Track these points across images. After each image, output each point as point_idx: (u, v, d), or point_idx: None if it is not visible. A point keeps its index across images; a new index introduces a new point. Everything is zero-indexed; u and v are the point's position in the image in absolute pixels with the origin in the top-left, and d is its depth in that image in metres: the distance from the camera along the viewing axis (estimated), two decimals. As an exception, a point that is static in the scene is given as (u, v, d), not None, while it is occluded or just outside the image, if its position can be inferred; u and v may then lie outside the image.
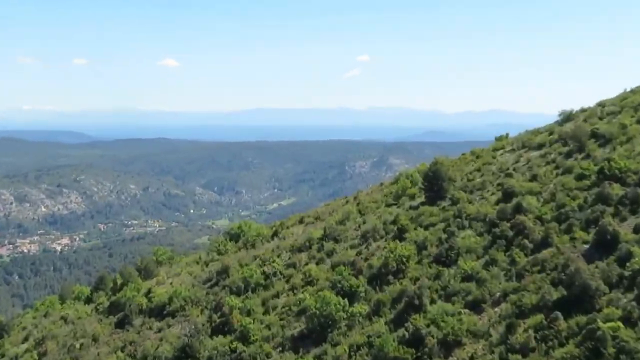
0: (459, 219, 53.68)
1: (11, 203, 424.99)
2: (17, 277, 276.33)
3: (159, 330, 58.26)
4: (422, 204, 61.79)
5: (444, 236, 51.84)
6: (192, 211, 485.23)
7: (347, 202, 79.60)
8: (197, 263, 76.98)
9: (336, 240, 61.62)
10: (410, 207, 62.74)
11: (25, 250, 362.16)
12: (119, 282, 79.34)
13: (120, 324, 63.81)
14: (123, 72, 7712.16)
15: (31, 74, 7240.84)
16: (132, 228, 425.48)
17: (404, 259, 50.30)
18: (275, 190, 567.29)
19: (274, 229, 78.15)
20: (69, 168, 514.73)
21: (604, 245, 41.31)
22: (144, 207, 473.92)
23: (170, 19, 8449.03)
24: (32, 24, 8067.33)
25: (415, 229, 55.86)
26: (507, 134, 79.54)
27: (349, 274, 51.18)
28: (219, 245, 77.99)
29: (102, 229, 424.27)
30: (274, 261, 61.33)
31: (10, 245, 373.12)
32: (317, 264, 58.11)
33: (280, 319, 50.76)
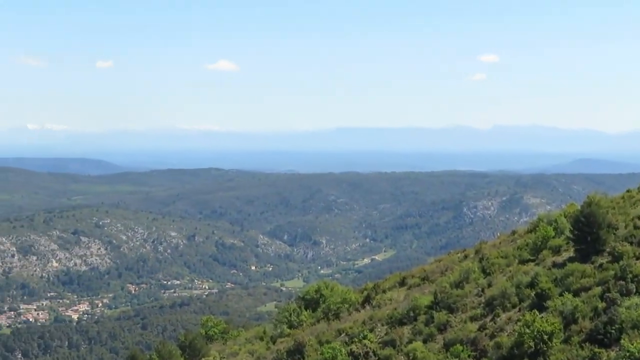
0: (622, 282, 53.20)
1: (13, 255, 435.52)
2: (20, 356, 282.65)
3: None
4: (571, 260, 61.35)
5: (601, 305, 51.43)
6: (253, 268, 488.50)
7: (465, 256, 79.47)
8: (261, 339, 77.79)
9: (451, 310, 61.61)
10: (554, 265, 62.35)
11: (31, 319, 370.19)
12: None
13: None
14: (158, 79, 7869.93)
15: (37, 81, 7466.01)
16: (172, 290, 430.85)
17: (545, 337, 50.06)
18: (367, 240, 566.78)
19: (365, 293, 78.50)
20: (89, 209, 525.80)
21: None
22: (188, 263, 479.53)
23: (223, 13, 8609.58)
24: (40, 20, 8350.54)
25: (560, 294, 55.53)
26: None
27: (469, 355, 51.16)
28: (291, 316, 78.66)
29: (133, 291, 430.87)
30: (365, 337, 61.63)
31: (12, 313, 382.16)
32: (424, 341, 58.20)
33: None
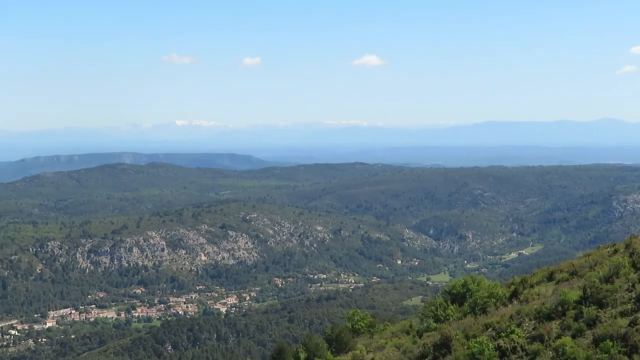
0: None
1: (162, 249, 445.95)
2: (170, 348, 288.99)
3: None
4: None
5: None
6: (399, 262, 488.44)
7: (615, 251, 78.09)
8: (407, 333, 77.94)
9: (600, 305, 60.76)
10: None
11: (180, 312, 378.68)
12: (302, 356, 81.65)
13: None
14: (305, 75, 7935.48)
15: (185, 78, 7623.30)
16: (319, 284, 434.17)
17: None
18: (514, 234, 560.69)
19: (512, 287, 77.91)
20: (236, 203, 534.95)
21: None
22: (335, 256, 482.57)
23: (370, 7, 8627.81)
24: (189, 19, 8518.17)
25: None
26: None
27: (619, 351, 50.39)
28: (437, 310, 78.67)
29: (280, 284, 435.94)
30: (512, 332, 61.25)
31: (162, 305, 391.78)
32: (573, 336, 57.56)
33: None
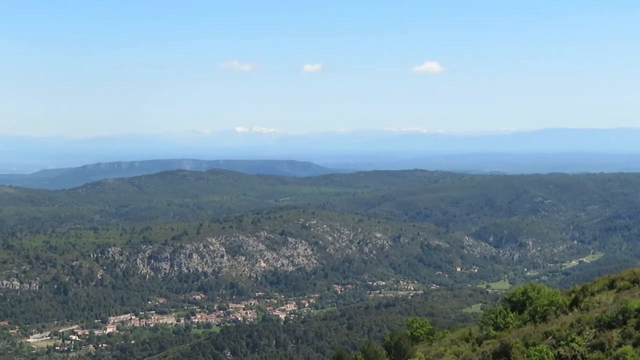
0: None
1: (222, 256, 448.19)
2: (229, 354, 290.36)
3: None
4: None
5: None
6: (459, 269, 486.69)
7: (678, 259, 77.39)
8: (467, 341, 77.85)
9: (662, 314, 60.25)
10: None
11: (239, 318, 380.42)
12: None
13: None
14: (365, 81, 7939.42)
15: (246, 85, 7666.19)
16: (378, 291, 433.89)
17: None
18: (575, 242, 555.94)
19: (572, 295, 77.48)
20: (296, 210, 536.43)
21: None
22: (394, 264, 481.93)
23: (431, 13, 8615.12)
24: (250, 26, 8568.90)
25: None
26: None
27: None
28: (497, 317, 78.41)
29: (339, 291, 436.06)
30: (572, 340, 60.93)
31: (221, 312, 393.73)
32: (634, 345, 57.13)
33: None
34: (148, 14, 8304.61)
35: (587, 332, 62.57)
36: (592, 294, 75.37)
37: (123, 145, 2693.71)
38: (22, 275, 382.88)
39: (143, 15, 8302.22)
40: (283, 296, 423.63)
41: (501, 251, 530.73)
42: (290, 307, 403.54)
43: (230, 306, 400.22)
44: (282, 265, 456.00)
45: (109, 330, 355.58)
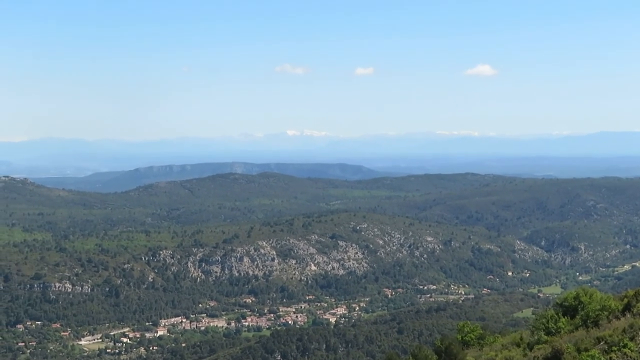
0: None
1: (273, 259, 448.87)
2: (279, 357, 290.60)
3: None
4: None
5: None
6: (510, 273, 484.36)
7: None
8: (518, 346, 77.29)
9: None
10: None
11: (290, 322, 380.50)
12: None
13: None
14: (417, 84, 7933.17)
15: (297, 89, 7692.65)
16: (428, 295, 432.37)
17: None
18: (628, 246, 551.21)
19: (625, 300, 76.57)
20: (346, 214, 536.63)
21: None
22: (445, 267, 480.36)
23: (484, 15, 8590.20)
24: (301, 29, 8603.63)
25: None
26: None
27: None
28: (548, 322, 77.76)
29: (390, 295, 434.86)
30: (625, 346, 60.18)
31: (272, 315, 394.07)
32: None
33: None
34: (201, 17, 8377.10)
35: (640, 338, 61.77)
36: (646, 299, 74.42)
37: (176, 149, 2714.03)
38: (75, 278, 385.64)
39: (196, 19, 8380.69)
40: (333, 300, 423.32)
41: (553, 255, 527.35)
42: (341, 310, 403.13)
43: (280, 310, 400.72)
44: (333, 268, 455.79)
45: (159, 333, 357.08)
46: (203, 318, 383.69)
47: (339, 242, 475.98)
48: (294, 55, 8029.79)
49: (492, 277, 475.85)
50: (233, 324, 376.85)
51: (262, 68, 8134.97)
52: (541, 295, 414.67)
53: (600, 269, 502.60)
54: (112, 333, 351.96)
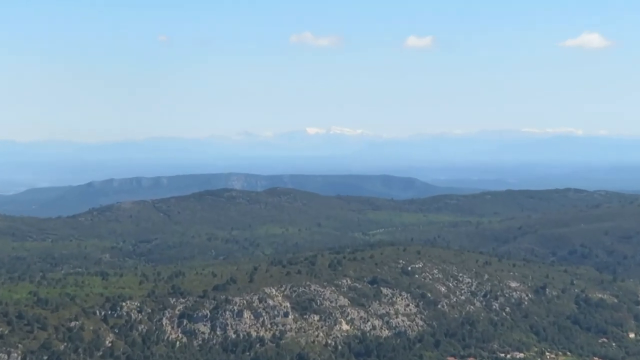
0: None
1: (286, 314, 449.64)
2: None
3: None
4: None
5: None
6: (632, 335, 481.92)
7: None
8: None
9: None
10: None
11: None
12: None
13: None
14: (491, 62, 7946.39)
15: (322, 70, 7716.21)
16: None
17: None
18: None
19: None
20: (392, 248, 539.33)
21: None
22: (536, 326, 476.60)
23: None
24: None
25: None
26: None
27: None
28: None
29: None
30: None
31: None
32: None
33: None
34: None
35: None
36: None
37: (146, 154, 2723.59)
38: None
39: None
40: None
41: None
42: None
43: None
44: (374, 327, 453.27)
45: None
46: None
47: (382, 289, 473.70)
48: (316, 20, 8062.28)
49: (606, 340, 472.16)
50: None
51: (273, 38, 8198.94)
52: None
53: None
54: None
